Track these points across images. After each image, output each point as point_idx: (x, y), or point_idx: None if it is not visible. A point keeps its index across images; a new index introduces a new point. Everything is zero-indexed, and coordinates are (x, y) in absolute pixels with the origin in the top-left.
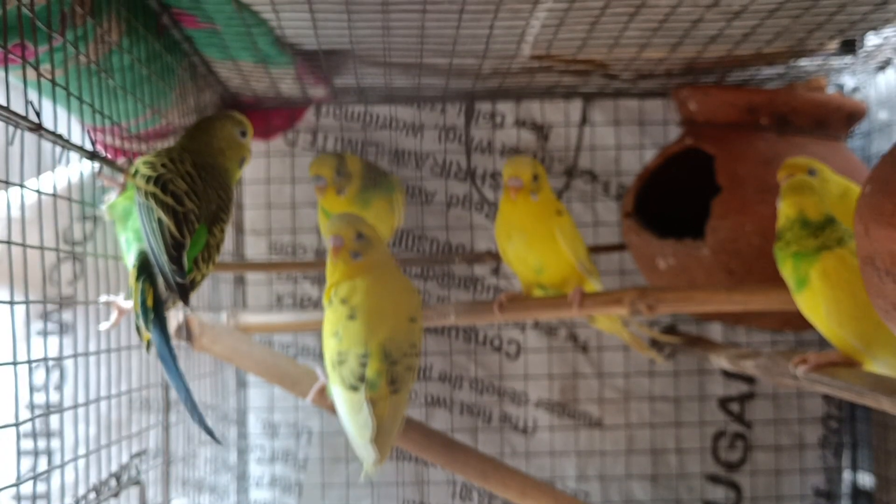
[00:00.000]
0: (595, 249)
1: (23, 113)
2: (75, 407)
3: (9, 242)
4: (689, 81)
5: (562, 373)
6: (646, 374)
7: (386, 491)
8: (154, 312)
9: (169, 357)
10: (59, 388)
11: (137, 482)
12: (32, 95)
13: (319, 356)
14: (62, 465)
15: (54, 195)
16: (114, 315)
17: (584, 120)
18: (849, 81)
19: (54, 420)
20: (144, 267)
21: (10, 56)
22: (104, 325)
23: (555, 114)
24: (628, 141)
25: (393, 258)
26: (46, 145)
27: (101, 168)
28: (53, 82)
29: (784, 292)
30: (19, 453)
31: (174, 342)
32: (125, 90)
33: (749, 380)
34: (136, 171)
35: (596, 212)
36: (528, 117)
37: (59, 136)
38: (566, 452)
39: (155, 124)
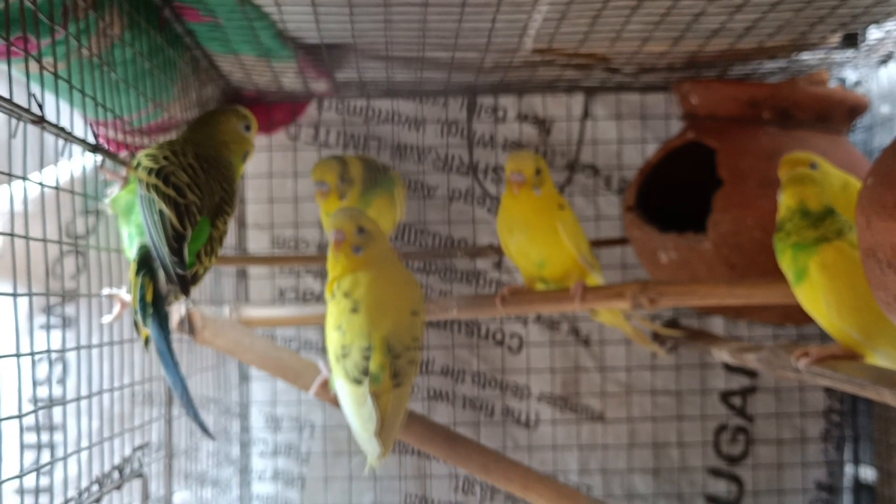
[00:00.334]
0: (597, 243)
1: (25, 106)
2: (78, 399)
3: (12, 235)
4: (691, 75)
5: (564, 367)
6: (648, 367)
7: (388, 485)
8: (153, 307)
9: (167, 352)
10: (62, 381)
11: (140, 475)
12: (34, 89)
13: (322, 350)
14: (65, 458)
15: (57, 188)
16: (116, 308)
17: (585, 114)
18: (851, 75)
19: (57, 414)
20: (145, 261)
21: (13, 49)
22: (107, 318)
23: (557, 108)
24: (630, 135)
25: (394, 251)
26: (49, 139)
27: (103, 161)
28: (56, 75)
29: (785, 286)
30: (22, 446)
31: (176, 336)
32: (127, 84)
33: (751, 373)
34: (139, 164)
35: (598, 206)
36: (530, 111)
37: (62, 129)
38: (568, 446)
39: (157, 118)
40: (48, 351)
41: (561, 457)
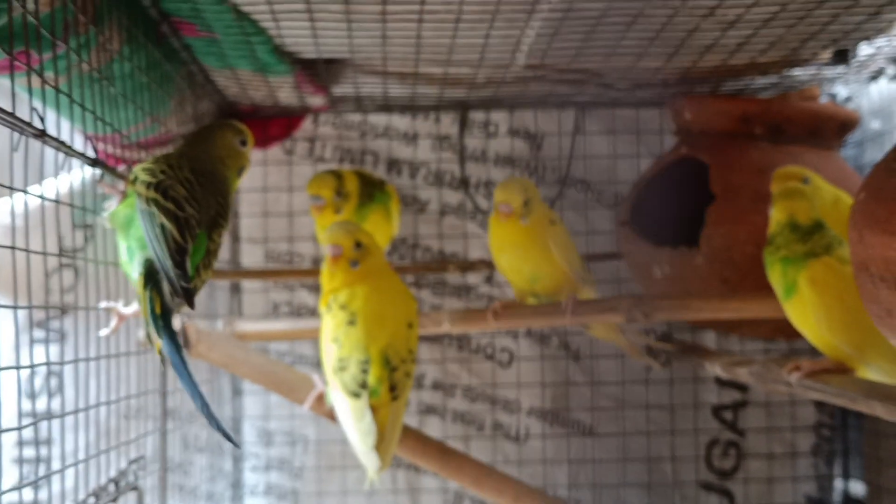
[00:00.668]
0: (589, 258)
1: (27, 119)
2: (75, 412)
3: (12, 248)
4: (685, 91)
5: (554, 381)
6: (641, 382)
7: (381, 499)
8: (163, 320)
9: (181, 364)
10: (58, 394)
11: (135, 488)
12: (35, 103)
13: (316, 364)
14: (62, 470)
15: (56, 201)
16: (113, 321)
17: (577, 129)
18: (842, 91)
19: (53, 428)
20: (150, 275)
21: (15, 63)
22: (104, 332)
23: (548, 123)
24: (624, 150)
25: (389, 265)
26: (48, 153)
27: (102, 175)
28: (57, 89)
29: (776, 300)
30: (21, 460)
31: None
32: (126, 98)
33: (742, 388)
34: (136, 178)
35: (589, 220)
36: (521, 126)
37: (63, 143)
38: (558, 461)
39: (154, 132)
40: (47, 363)
41: (551, 471)
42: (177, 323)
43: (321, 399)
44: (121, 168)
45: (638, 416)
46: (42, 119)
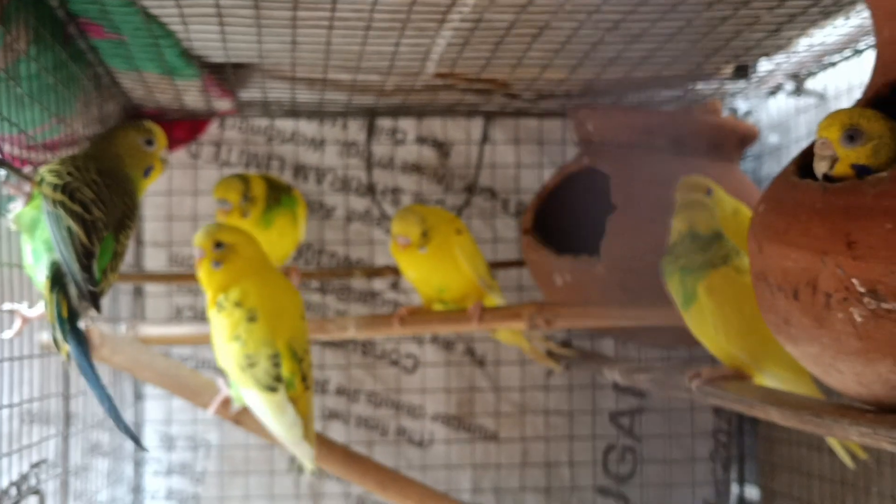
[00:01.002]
0: (494, 265)
1: None
2: None
3: None
4: (588, 102)
5: (459, 387)
6: (541, 388)
7: (283, 503)
8: (70, 324)
9: (89, 368)
10: None
11: (37, 492)
12: None
13: (219, 368)
14: None
15: None
16: (17, 323)
17: (484, 138)
18: (742, 105)
19: None
20: (57, 278)
21: None
22: (7, 334)
23: (456, 131)
24: (528, 159)
25: (266, 257)
26: None
27: (7, 176)
28: None
29: (676, 309)
30: None
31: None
32: (32, 98)
33: (639, 394)
34: (42, 180)
35: (495, 228)
36: (429, 134)
37: None
38: (462, 465)
39: (59, 133)
40: None
41: (454, 476)
42: (82, 326)
43: (226, 403)
44: (26, 169)
45: (538, 422)
46: None
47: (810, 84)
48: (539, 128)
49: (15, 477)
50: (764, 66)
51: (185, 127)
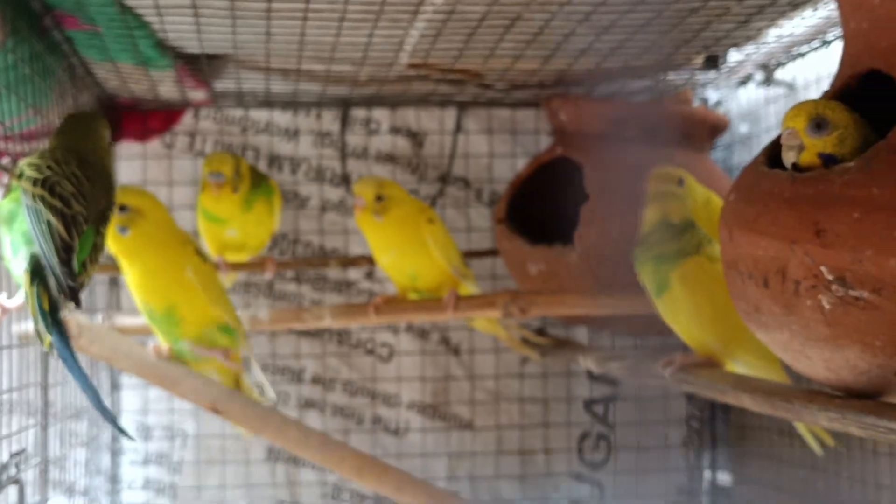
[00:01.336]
0: (468, 255)
1: None
2: None
3: None
4: (560, 92)
5: (434, 375)
6: (516, 376)
7: (260, 492)
8: (52, 316)
9: (71, 359)
10: None
11: (17, 481)
12: None
13: None
14: None
15: None
16: None
17: (458, 128)
18: (712, 95)
19: None
20: (36, 271)
21: None
22: None
23: (430, 121)
24: (501, 149)
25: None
26: None
27: None
28: None
29: (647, 298)
30: None
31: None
32: (8, 89)
33: (612, 382)
34: (22, 173)
35: (469, 218)
36: (403, 124)
37: None
38: (437, 454)
39: (35, 124)
40: None
41: (430, 464)
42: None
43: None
44: (4, 161)
45: (512, 410)
46: None
47: (779, 74)
48: (512, 118)
49: (2, 463)
50: (734, 56)
51: (159, 117)
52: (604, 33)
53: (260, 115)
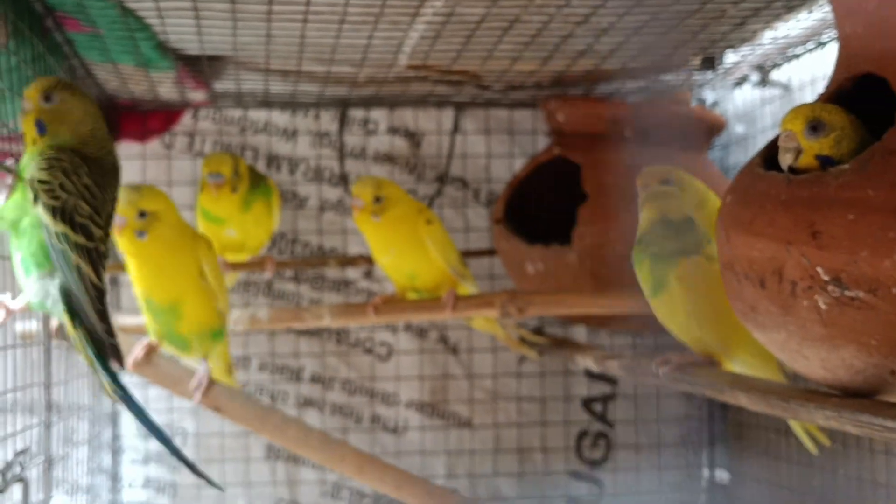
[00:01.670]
0: (466, 254)
1: None
2: None
3: None
4: (558, 93)
5: (432, 374)
6: (514, 374)
7: (260, 491)
8: (105, 367)
9: (130, 399)
10: None
11: (22, 479)
12: None
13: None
14: None
15: None
16: (1, 313)
17: (455, 128)
18: (709, 96)
19: None
20: (74, 312)
21: None
22: None
23: (427, 122)
24: (498, 149)
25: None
26: None
27: None
28: None
29: (643, 298)
30: None
31: (54, 342)
32: (12, 91)
33: (611, 381)
34: (37, 197)
35: (467, 218)
36: (401, 125)
37: None
38: (436, 452)
39: None
40: None
41: (429, 462)
42: (54, 323)
43: (207, 390)
44: (8, 162)
45: (511, 408)
46: None
47: (775, 75)
48: (510, 118)
49: (8, 461)
50: (730, 57)
51: (159, 118)
52: (602, 35)
53: (258, 115)
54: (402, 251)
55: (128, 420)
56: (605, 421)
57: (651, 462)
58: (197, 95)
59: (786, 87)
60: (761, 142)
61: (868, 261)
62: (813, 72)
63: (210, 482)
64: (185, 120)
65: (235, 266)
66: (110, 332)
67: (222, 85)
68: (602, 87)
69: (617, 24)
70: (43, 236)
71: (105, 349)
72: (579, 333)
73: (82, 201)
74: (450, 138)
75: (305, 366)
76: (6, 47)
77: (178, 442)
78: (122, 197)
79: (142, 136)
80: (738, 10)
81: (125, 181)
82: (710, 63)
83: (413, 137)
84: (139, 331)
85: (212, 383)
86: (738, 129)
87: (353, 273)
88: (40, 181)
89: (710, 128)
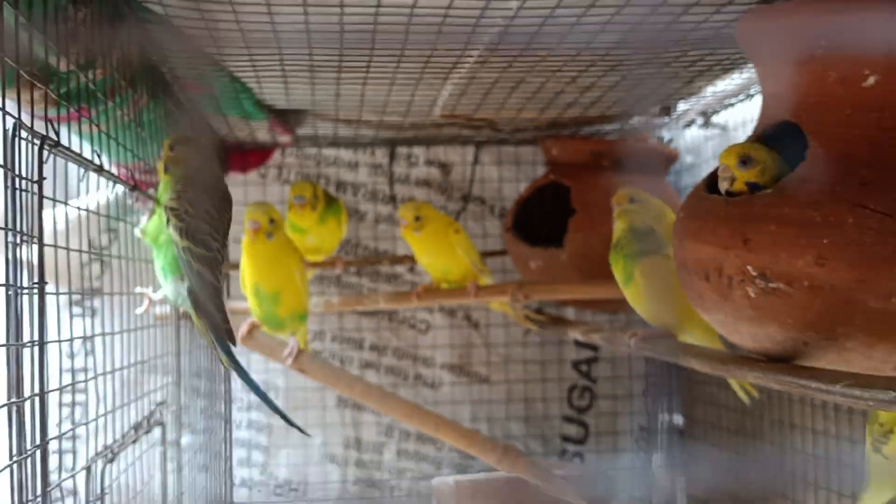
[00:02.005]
0: (484, 255)
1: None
2: (120, 369)
3: (67, 249)
4: (553, 134)
5: (460, 343)
6: (520, 343)
7: (332, 431)
8: (219, 342)
9: (239, 365)
10: (91, 355)
11: (161, 423)
12: (84, 144)
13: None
14: (114, 410)
15: (98, 214)
16: (145, 303)
17: (475, 160)
18: (665, 135)
19: (94, 381)
20: (198, 305)
21: (74, 114)
22: (139, 310)
23: (455, 156)
24: (508, 176)
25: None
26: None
27: (136, 195)
28: (108, 134)
29: (618, 286)
30: (73, 404)
31: (182, 323)
32: (151, 138)
33: (594, 348)
34: (169, 220)
35: (485, 227)
36: (435, 158)
37: (113, 175)
38: (463, 402)
39: None
40: (121, 332)
41: (458, 409)
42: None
43: (297, 355)
44: (150, 191)
45: (518, 369)
46: (100, 157)
47: (715, 119)
48: (516, 153)
49: (146, 413)
50: (681, 106)
51: (256, 155)
52: (585, 91)
53: (330, 152)
54: (437, 254)
55: (236, 378)
56: (589, 378)
57: (624, 408)
58: (284, 138)
59: (723, 128)
60: (705, 170)
61: (786, 261)
62: (744, 116)
63: (295, 426)
64: (276, 156)
65: (314, 264)
66: (225, 319)
67: (303, 130)
68: (586, 128)
69: (596, 84)
70: (175, 250)
71: (221, 332)
72: (570, 313)
73: (202, 222)
74: (471, 168)
75: (366, 338)
76: (147, 106)
77: (271, 395)
78: (258, 209)
79: (243, 168)
80: (687, 72)
81: (237, 201)
82: (666, 111)
83: (444, 167)
84: (244, 313)
85: (299, 352)
86: (688, 159)
87: (400, 269)
88: (170, 208)
89: (666, 159)
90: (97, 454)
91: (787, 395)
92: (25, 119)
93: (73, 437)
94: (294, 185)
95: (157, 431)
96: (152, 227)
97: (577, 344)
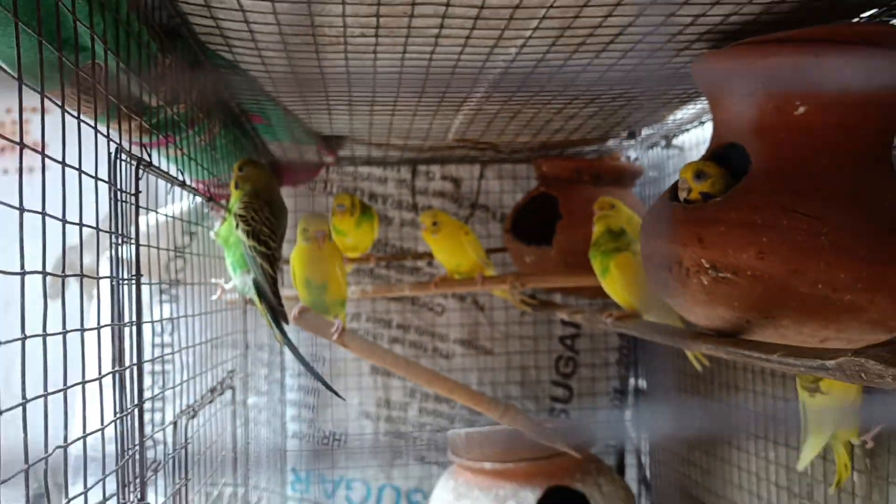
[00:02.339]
0: (489, 251)
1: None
2: (200, 344)
3: (157, 248)
4: (543, 154)
5: (469, 322)
6: (518, 322)
7: (367, 393)
8: (276, 323)
9: (293, 345)
10: (174, 332)
11: (232, 387)
12: (168, 165)
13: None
14: (194, 377)
15: (181, 220)
16: (218, 291)
17: (481, 176)
18: (633, 154)
19: (178, 354)
20: (260, 293)
21: (161, 141)
22: (214, 297)
23: (464, 172)
24: (507, 188)
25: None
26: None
27: (211, 205)
28: (189, 157)
29: (597, 277)
30: (153, 372)
31: (248, 307)
32: (222, 159)
33: (577, 326)
34: (238, 225)
35: (489, 229)
36: (449, 174)
37: (193, 189)
38: (472, 369)
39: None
40: (199, 314)
41: (467, 376)
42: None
43: (341, 332)
44: (223, 202)
45: (516, 343)
46: (183, 175)
47: (675, 141)
48: (514, 169)
49: (219, 379)
50: (646, 131)
51: (306, 172)
52: (569, 120)
53: (364, 169)
54: (451, 252)
55: (287, 351)
56: (573, 350)
57: (601, 374)
58: (328, 159)
59: (681, 149)
60: (667, 183)
61: (733, 255)
62: (698, 138)
63: (332, 390)
64: (322, 173)
65: (352, 260)
66: (280, 304)
67: (343, 152)
68: (570, 149)
69: (578, 114)
70: (242, 249)
71: (277, 314)
72: (557, 298)
73: (264, 227)
74: (478, 182)
75: (393, 318)
76: (219, 134)
77: (319, 364)
78: (322, 220)
79: (294, 183)
80: (651, 104)
81: (289, 209)
82: (633, 135)
83: (456, 182)
84: (294, 299)
85: (343, 330)
86: (652, 174)
87: (421, 263)
88: (239, 215)
89: (634, 173)
90: (181, 412)
91: (732, 364)
92: (125, 145)
93: (163, 399)
94: (336, 196)
95: (228, 394)
96: (224, 230)
97: (563, 322)
